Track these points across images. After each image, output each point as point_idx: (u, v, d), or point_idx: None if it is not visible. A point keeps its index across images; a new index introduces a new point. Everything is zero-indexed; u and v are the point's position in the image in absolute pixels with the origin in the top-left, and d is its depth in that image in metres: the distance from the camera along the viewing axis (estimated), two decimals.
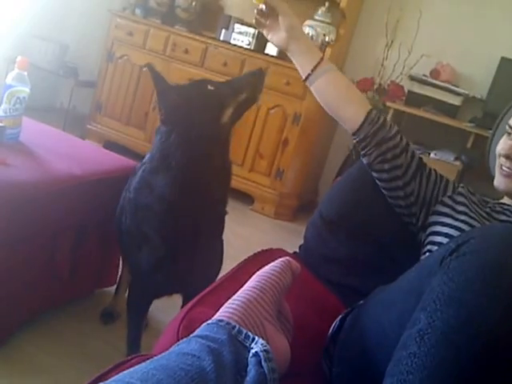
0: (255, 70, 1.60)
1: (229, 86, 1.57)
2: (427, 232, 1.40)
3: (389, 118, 3.76)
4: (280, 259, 1.15)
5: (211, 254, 1.73)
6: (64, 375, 1.80)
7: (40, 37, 4.58)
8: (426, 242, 1.38)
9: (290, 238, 3.59)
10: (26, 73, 1.96)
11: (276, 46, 1.51)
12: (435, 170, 1.50)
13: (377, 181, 1.50)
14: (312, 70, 1.47)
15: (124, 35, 4.45)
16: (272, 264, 1.14)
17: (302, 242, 1.77)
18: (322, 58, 1.48)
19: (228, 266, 1.57)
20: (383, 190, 1.50)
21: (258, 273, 1.12)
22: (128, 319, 1.75)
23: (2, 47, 4.40)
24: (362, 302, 1.23)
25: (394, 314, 0.98)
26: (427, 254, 1.34)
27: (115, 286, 2.24)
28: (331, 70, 1.50)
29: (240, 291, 1.07)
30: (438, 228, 1.36)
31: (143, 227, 1.58)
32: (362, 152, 1.48)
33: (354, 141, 1.49)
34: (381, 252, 1.55)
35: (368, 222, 1.58)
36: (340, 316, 1.29)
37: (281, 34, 1.45)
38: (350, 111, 1.48)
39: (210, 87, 1.54)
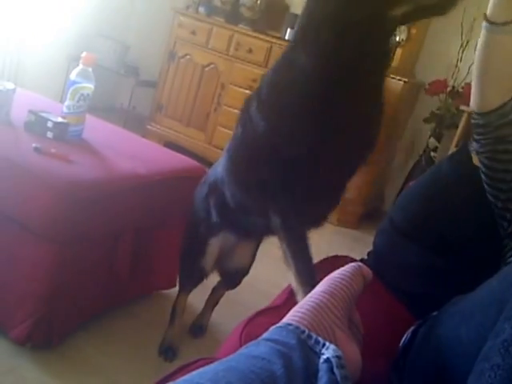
0: None
1: None
2: None
3: (462, 123, 3.68)
4: (351, 264, 1.14)
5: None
6: (122, 377, 1.83)
7: (102, 35, 4.71)
8: None
9: (355, 245, 3.56)
10: (90, 69, 2.01)
11: None
12: None
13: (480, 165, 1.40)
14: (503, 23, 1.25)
15: (187, 34, 4.52)
16: (342, 269, 1.13)
17: (367, 250, 1.75)
18: None
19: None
20: (483, 176, 1.40)
21: (327, 277, 1.11)
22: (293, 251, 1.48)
23: (64, 44, 4.52)
24: (435, 312, 1.21)
25: (473, 324, 0.95)
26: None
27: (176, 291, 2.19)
28: None
29: (309, 295, 1.06)
30: None
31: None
32: (476, 138, 1.36)
33: (473, 121, 1.35)
34: (459, 263, 1.50)
35: (445, 233, 1.53)
36: (412, 327, 1.27)
37: None
38: (493, 89, 1.30)
39: None
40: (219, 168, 1.69)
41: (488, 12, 1.28)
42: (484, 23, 1.28)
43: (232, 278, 2.16)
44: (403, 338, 1.28)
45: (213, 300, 2.27)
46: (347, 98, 1.33)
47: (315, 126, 1.34)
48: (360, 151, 1.47)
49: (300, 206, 1.46)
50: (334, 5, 1.28)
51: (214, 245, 1.87)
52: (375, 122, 1.45)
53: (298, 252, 1.42)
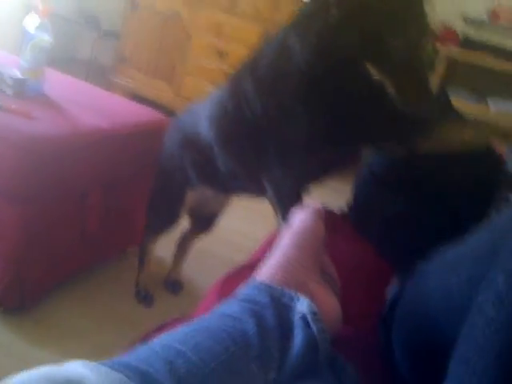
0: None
1: None
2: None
3: (442, 65, 3.60)
4: (307, 209, 1.13)
5: None
6: (100, 338, 1.84)
7: None
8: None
9: (334, 197, 3.54)
10: (47, 21, 1.95)
11: None
12: None
13: None
14: None
15: None
16: (301, 216, 1.12)
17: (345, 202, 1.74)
18: None
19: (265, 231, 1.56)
20: None
21: (290, 229, 1.10)
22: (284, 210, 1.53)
23: None
24: (422, 263, 1.20)
25: (463, 276, 0.94)
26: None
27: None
28: None
29: (277, 250, 1.05)
30: None
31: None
32: None
33: None
34: (447, 212, 1.49)
35: (429, 178, 1.52)
36: (399, 280, 1.27)
37: None
38: None
39: None
40: (202, 129, 1.66)
41: None
42: None
43: (205, 223, 2.20)
44: (390, 291, 1.28)
45: (183, 249, 2.29)
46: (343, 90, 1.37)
47: (311, 118, 1.40)
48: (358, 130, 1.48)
49: (297, 180, 1.53)
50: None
51: (191, 196, 1.90)
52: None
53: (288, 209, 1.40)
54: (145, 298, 2.14)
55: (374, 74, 1.31)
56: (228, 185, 1.74)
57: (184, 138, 1.80)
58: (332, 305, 1.03)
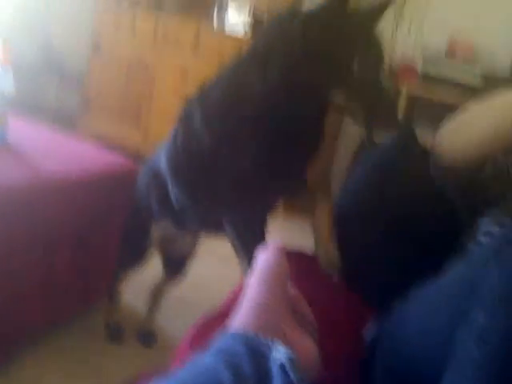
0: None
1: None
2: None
3: (402, 102, 3.69)
4: (269, 248, 1.11)
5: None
6: None
7: (22, 30, 4.56)
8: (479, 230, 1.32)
9: (305, 237, 3.54)
10: (9, 67, 1.93)
11: None
12: None
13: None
14: None
15: (110, 26, 4.41)
16: (264, 257, 1.10)
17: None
18: None
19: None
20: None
21: (257, 271, 1.07)
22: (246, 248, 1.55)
23: None
24: (400, 302, 1.19)
25: (442, 313, 0.94)
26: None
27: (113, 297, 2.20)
28: None
29: (248, 296, 1.03)
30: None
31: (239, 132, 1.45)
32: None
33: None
34: (418, 249, 1.49)
35: (402, 218, 1.52)
36: (375, 321, 1.26)
37: None
38: None
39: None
40: (162, 164, 1.67)
41: None
42: None
43: (176, 265, 2.18)
44: (367, 333, 1.26)
45: (156, 298, 2.26)
46: (292, 120, 1.41)
47: (263, 146, 1.42)
48: (306, 158, 1.56)
49: (251, 213, 1.54)
50: (282, 42, 1.36)
51: (156, 231, 1.91)
52: (317, 134, 1.53)
53: (251, 248, 1.41)
54: (117, 332, 2.13)
55: (340, 99, 1.34)
56: (185, 220, 1.74)
57: (150, 174, 1.83)
58: (309, 349, 1.00)
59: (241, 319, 0.96)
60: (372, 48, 1.37)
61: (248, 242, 1.50)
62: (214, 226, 1.64)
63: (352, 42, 1.33)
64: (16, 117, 2.17)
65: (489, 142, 1.25)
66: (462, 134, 1.31)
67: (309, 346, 1.00)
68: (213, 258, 2.63)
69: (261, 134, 1.42)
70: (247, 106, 1.42)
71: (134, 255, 2.04)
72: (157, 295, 2.26)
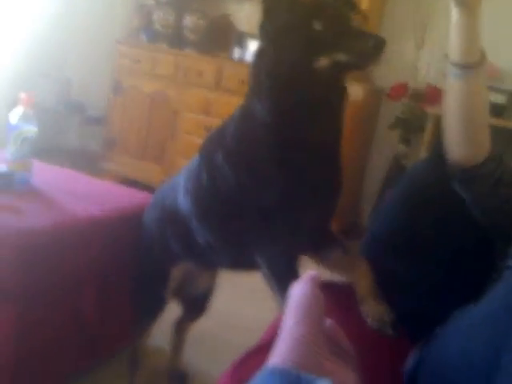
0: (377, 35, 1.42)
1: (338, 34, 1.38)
2: None
3: (429, 125, 3.68)
4: (304, 278, 1.09)
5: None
6: None
7: (42, 74, 4.62)
8: None
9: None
10: (31, 111, 1.95)
11: None
12: None
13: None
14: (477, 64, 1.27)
15: (130, 63, 4.46)
16: (299, 288, 1.08)
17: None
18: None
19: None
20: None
21: (292, 303, 1.06)
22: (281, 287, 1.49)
23: (1, 87, 4.43)
24: (440, 329, 1.17)
25: (481, 338, 0.92)
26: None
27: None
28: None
29: (283, 332, 1.01)
30: None
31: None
32: (460, 190, 1.39)
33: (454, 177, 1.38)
34: (453, 275, 1.46)
35: (436, 245, 1.49)
36: (415, 350, 1.23)
37: None
38: (484, 134, 1.31)
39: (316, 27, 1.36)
40: (183, 205, 1.64)
41: (457, 57, 1.29)
42: (454, 70, 1.29)
43: (195, 306, 2.09)
44: (406, 363, 1.24)
45: (180, 335, 2.17)
46: (308, 145, 1.41)
47: (284, 176, 1.41)
48: (331, 191, 1.52)
49: (286, 250, 1.50)
50: (269, 60, 1.42)
51: (175, 274, 1.81)
52: (338, 163, 1.51)
53: (286, 281, 1.32)
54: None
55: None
56: (213, 260, 1.70)
57: (163, 211, 1.77)
58: (350, 381, 0.98)
59: (281, 355, 0.93)
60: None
61: (283, 275, 1.47)
62: (248, 264, 1.60)
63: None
64: (39, 160, 2.18)
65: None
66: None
67: (349, 378, 0.98)
68: (241, 292, 2.58)
69: (277, 162, 1.41)
70: (261, 137, 1.42)
71: (152, 307, 1.89)
72: (180, 332, 2.16)
